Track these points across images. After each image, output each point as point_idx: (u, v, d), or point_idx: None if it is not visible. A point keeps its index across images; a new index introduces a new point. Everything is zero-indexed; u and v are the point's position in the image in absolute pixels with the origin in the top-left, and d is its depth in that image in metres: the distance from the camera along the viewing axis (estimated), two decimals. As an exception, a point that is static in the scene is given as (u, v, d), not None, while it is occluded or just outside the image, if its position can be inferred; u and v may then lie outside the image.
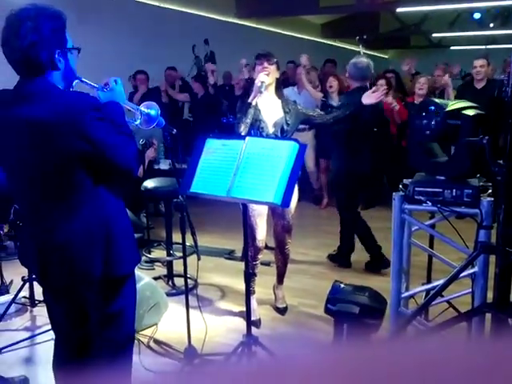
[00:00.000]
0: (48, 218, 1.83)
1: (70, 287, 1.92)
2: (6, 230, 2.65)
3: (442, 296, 2.79)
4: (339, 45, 14.91)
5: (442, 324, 2.28)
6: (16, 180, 1.89)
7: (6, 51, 1.73)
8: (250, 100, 3.21)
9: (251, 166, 2.41)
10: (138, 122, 2.18)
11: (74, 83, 1.93)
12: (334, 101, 6.05)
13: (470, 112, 2.19)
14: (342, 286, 2.91)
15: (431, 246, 3.06)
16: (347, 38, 15.13)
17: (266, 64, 3.27)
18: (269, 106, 3.30)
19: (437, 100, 2.48)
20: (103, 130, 1.76)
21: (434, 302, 2.75)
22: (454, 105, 2.36)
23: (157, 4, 8.31)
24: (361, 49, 6.73)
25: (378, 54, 17.61)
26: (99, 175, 1.83)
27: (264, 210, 3.38)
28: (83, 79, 1.96)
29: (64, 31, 1.79)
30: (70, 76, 1.86)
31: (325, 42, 13.91)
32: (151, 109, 2.20)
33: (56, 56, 1.76)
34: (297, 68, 6.51)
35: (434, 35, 15.71)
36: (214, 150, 2.55)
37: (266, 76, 3.24)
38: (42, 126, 1.69)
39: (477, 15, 12.60)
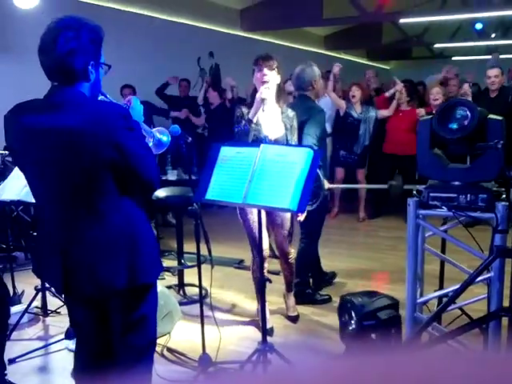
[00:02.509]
0: (74, 226, 1.84)
1: (95, 295, 1.92)
2: None
3: (455, 303, 2.79)
4: (343, 56, 15.01)
5: (458, 329, 2.28)
6: (42, 188, 1.90)
7: (43, 57, 1.77)
8: (250, 116, 3.06)
9: (266, 172, 2.43)
10: (150, 144, 2.20)
11: (99, 98, 1.96)
12: (356, 110, 6.07)
13: (498, 116, 2.20)
14: (359, 299, 2.88)
15: (443, 253, 3.07)
16: (350, 50, 15.27)
17: (265, 71, 3.08)
18: (270, 121, 3.15)
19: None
20: (132, 140, 1.80)
21: (446, 310, 2.76)
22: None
23: (162, 17, 8.39)
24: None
25: (380, 65, 17.73)
26: (124, 185, 1.85)
27: (263, 220, 3.29)
28: (107, 95, 2.00)
29: (100, 45, 1.84)
30: (97, 90, 1.90)
31: (328, 53, 14.00)
32: (163, 135, 2.24)
33: (89, 67, 1.80)
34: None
35: (436, 46, 15.81)
36: (229, 158, 2.58)
37: (268, 90, 3.05)
38: (74, 134, 1.72)
39: (478, 26, 12.67)
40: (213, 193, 2.53)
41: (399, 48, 15.85)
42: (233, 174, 2.52)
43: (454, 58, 15.85)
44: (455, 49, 15.42)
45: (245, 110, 3.16)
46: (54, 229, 1.90)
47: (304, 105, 3.69)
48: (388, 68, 18.75)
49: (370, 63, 17.17)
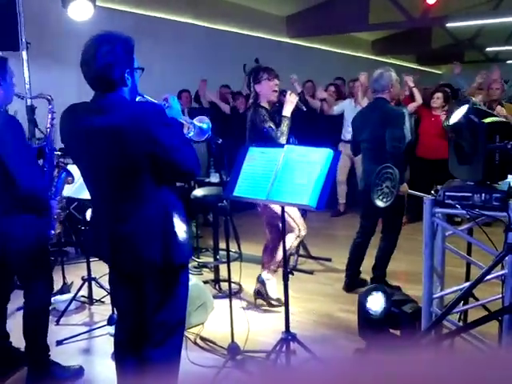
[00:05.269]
0: (118, 212, 2.12)
1: (135, 272, 2.21)
2: (58, 231, 2.95)
3: (476, 300, 2.85)
4: (392, 61, 14.91)
5: (473, 323, 2.36)
6: (92, 180, 2.20)
7: (85, 70, 2.04)
8: (287, 114, 3.54)
9: (289, 171, 2.60)
10: (191, 134, 2.43)
11: (137, 99, 2.21)
12: None
13: (489, 119, 2.29)
14: (389, 289, 2.99)
15: (469, 254, 3.12)
16: (399, 54, 15.15)
17: (276, 80, 3.63)
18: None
19: (474, 100, 2.55)
20: (168, 135, 2.03)
21: (472, 307, 2.84)
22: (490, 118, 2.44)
23: (208, 25, 8.70)
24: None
25: (431, 70, 17.46)
26: (164, 175, 2.10)
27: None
28: (145, 96, 2.24)
29: (132, 53, 2.09)
30: (135, 92, 2.16)
31: (376, 58, 13.96)
32: (203, 123, 2.46)
33: (126, 74, 2.05)
34: (354, 83, 6.63)
35: (490, 49, 15.44)
36: (256, 158, 2.76)
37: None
38: (117, 132, 1.98)
39: (534, 28, 12.29)
40: (240, 190, 2.72)
41: (450, 52, 15.55)
42: (258, 172, 2.70)
43: (509, 62, 15.44)
44: (510, 52, 15.02)
45: (264, 111, 3.56)
46: (103, 213, 2.20)
47: (383, 108, 3.99)
48: (440, 73, 18.43)
49: (420, 68, 16.95)
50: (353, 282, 4.25)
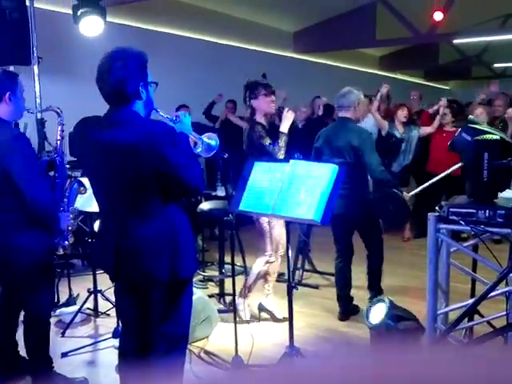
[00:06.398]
0: (124, 226, 2.16)
1: (140, 284, 2.25)
2: (71, 241, 2.98)
3: (482, 317, 2.84)
4: (399, 77, 14.96)
5: (477, 339, 2.35)
6: (101, 193, 2.25)
7: (101, 85, 2.11)
8: (285, 130, 3.61)
9: (294, 186, 2.62)
10: (199, 150, 2.48)
11: (152, 113, 2.26)
12: (398, 131, 6.08)
13: (478, 137, 2.32)
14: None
15: (474, 270, 3.11)
16: (406, 70, 15.20)
17: (273, 96, 3.73)
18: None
19: (472, 117, 2.58)
20: (176, 153, 2.08)
21: (477, 324, 2.83)
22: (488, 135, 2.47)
23: (215, 40, 8.79)
24: None
25: (439, 86, 17.51)
26: (170, 191, 2.15)
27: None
28: (159, 110, 2.28)
29: (146, 67, 2.15)
30: (150, 106, 2.22)
31: (384, 74, 14.01)
32: (212, 139, 2.51)
33: (140, 88, 2.11)
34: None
35: (498, 65, 15.46)
36: (261, 172, 2.78)
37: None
38: (127, 148, 2.04)
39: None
40: (246, 204, 2.74)
41: (457, 68, 15.60)
42: (264, 187, 2.72)
43: (517, 78, 15.43)
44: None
45: (261, 127, 3.66)
46: (110, 226, 2.24)
47: (349, 126, 3.87)
48: (448, 88, 18.45)
49: (428, 83, 16.99)
50: (347, 310, 4.04)
